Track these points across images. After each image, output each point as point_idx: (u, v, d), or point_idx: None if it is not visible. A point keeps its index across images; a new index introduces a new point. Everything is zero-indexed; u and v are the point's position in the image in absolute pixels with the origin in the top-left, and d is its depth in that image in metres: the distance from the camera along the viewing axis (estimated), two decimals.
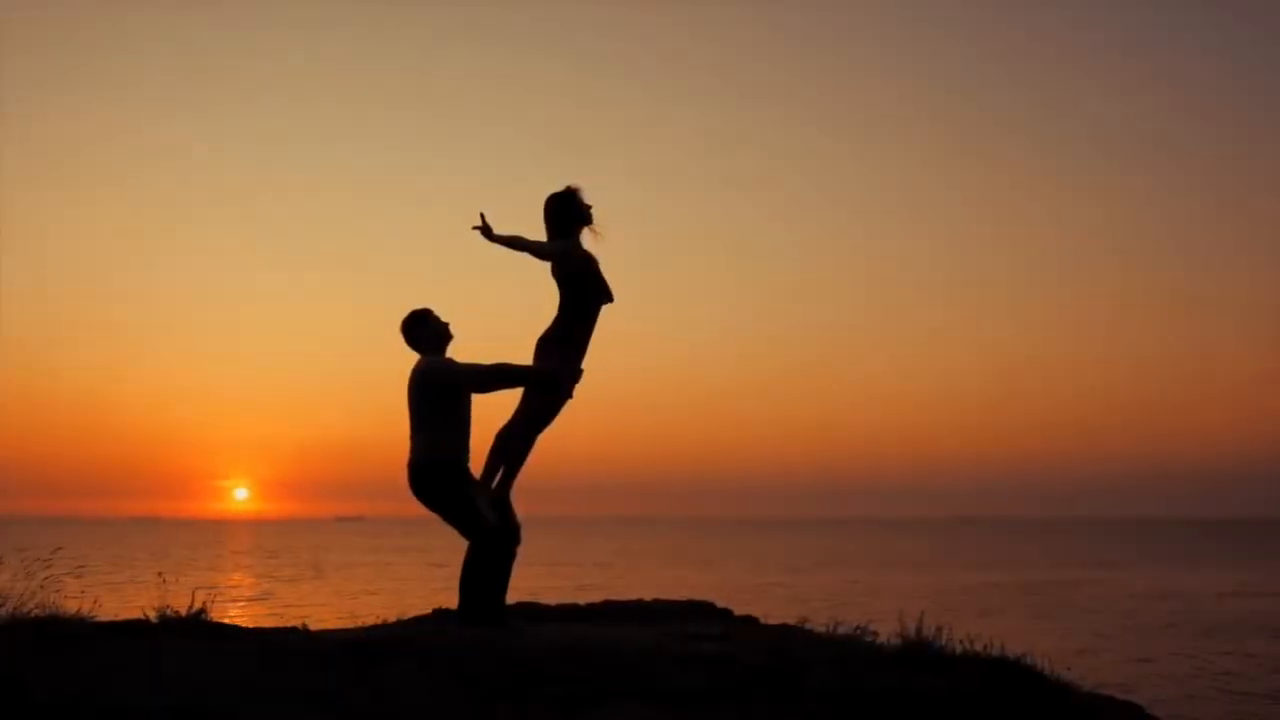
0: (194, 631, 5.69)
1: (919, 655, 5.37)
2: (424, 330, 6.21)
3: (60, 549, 6.60)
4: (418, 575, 38.27)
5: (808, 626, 6.57)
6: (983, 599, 30.20)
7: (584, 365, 6.22)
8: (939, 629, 5.67)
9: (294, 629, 6.03)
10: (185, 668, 4.91)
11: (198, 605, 5.99)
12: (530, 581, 34.14)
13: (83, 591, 6.29)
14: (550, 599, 8.37)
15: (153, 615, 5.97)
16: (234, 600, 28.38)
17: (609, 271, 6.16)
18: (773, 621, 7.02)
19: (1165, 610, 27.04)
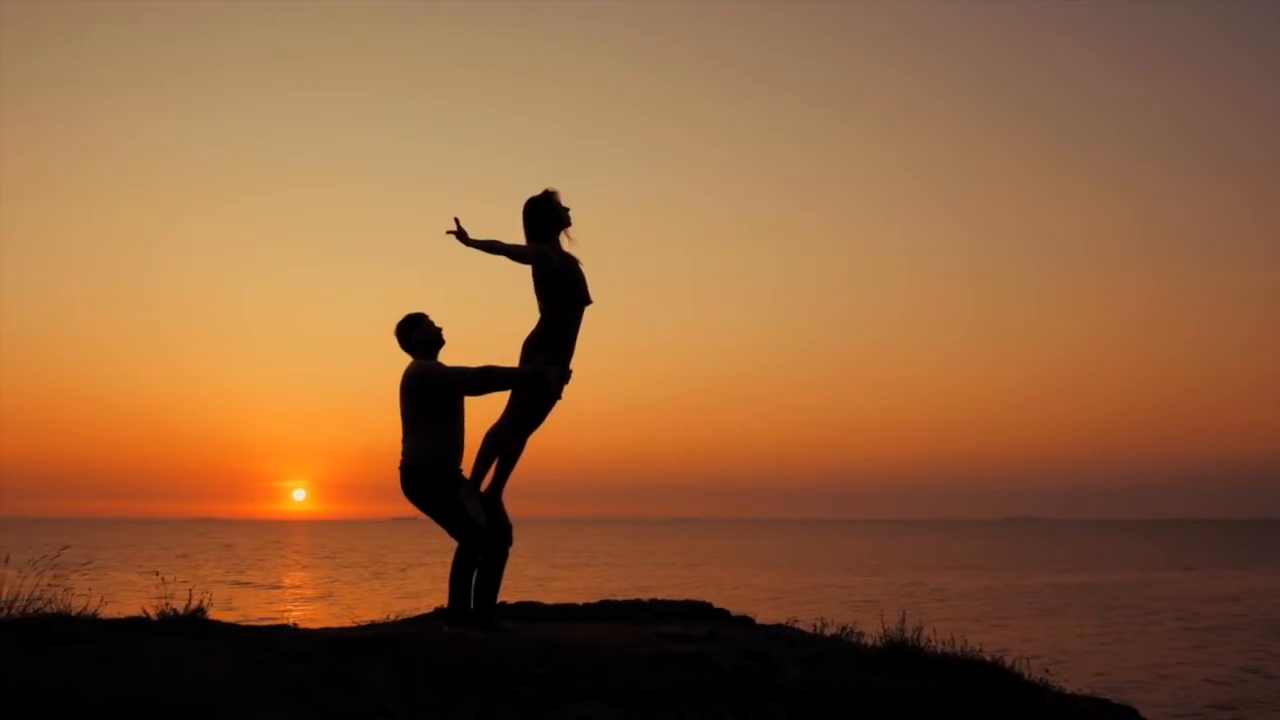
0: (187, 629, 5.82)
1: (895, 657, 5.33)
2: (416, 334, 6.28)
3: (68, 546, 6.76)
4: None
5: (797, 626, 6.56)
6: (1040, 601, 29.76)
7: (572, 366, 6.27)
8: (918, 631, 5.62)
9: (284, 626, 6.14)
10: (169, 663, 5.02)
11: (195, 603, 6.13)
12: (586, 581, 34.35)
13: (90, 590, 6.46)
14: (581, 598, 8.44)
15: (153, 613, 6.12)
16: (296, 601, 28.88)
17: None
18: (768, 621, 7.01)
19: (1226, 613, 26.44)
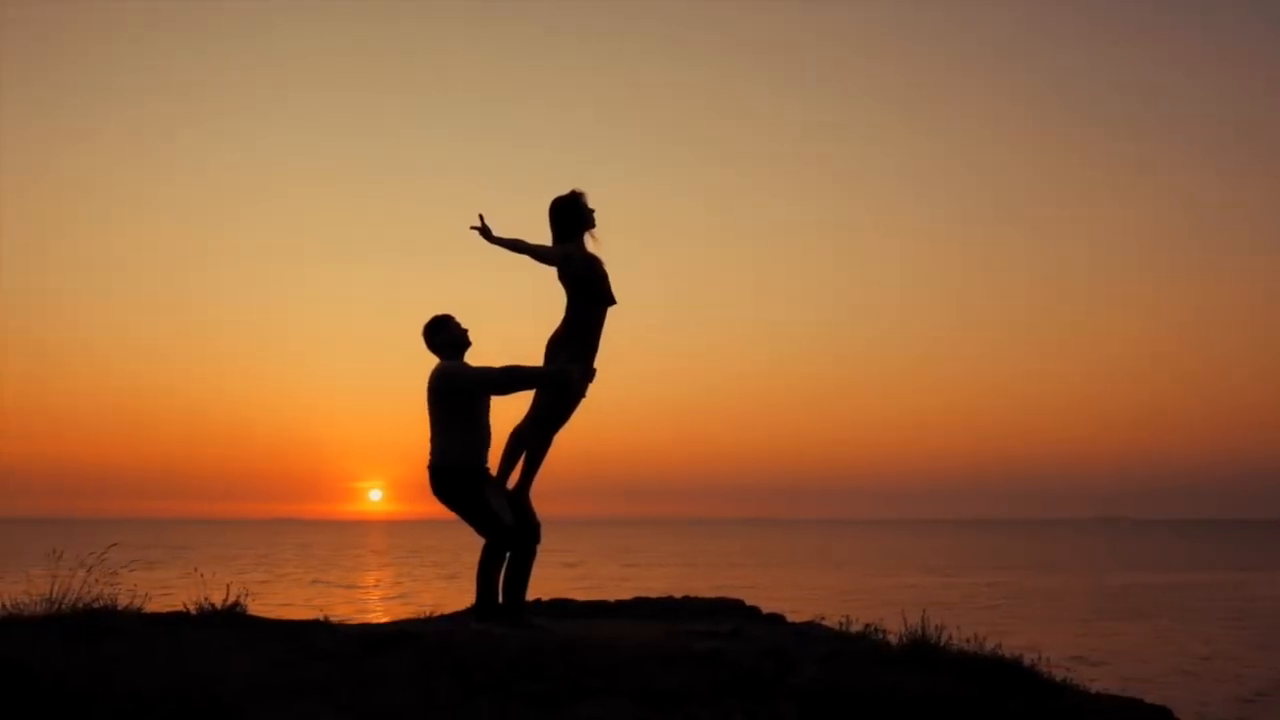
0: (224, 623, 5.99)
1: (912, 656, 5.28)
2: (442, 335, 6.38)
3: (115, 544, 6.96)
4: (550, 575, 38.73)
5: (824, 623, 6.53)
6: (1118, 601, 29.11)
7: (596, 365, 6.32)
8: (940, 629, 5.56)
9: (317, 621, 6.27)
10: (196, 657, 5.15)
11: (233, 599, 6.30)
12: (660, 582, 34.42)
13: (135, 586, 6.65)
14: (616, 595, 8.47)
15: (192, 608, 6.30)
16: (377, 599, 29.38)
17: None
18: (800, 619, 6.98)
19: None
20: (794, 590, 30.26)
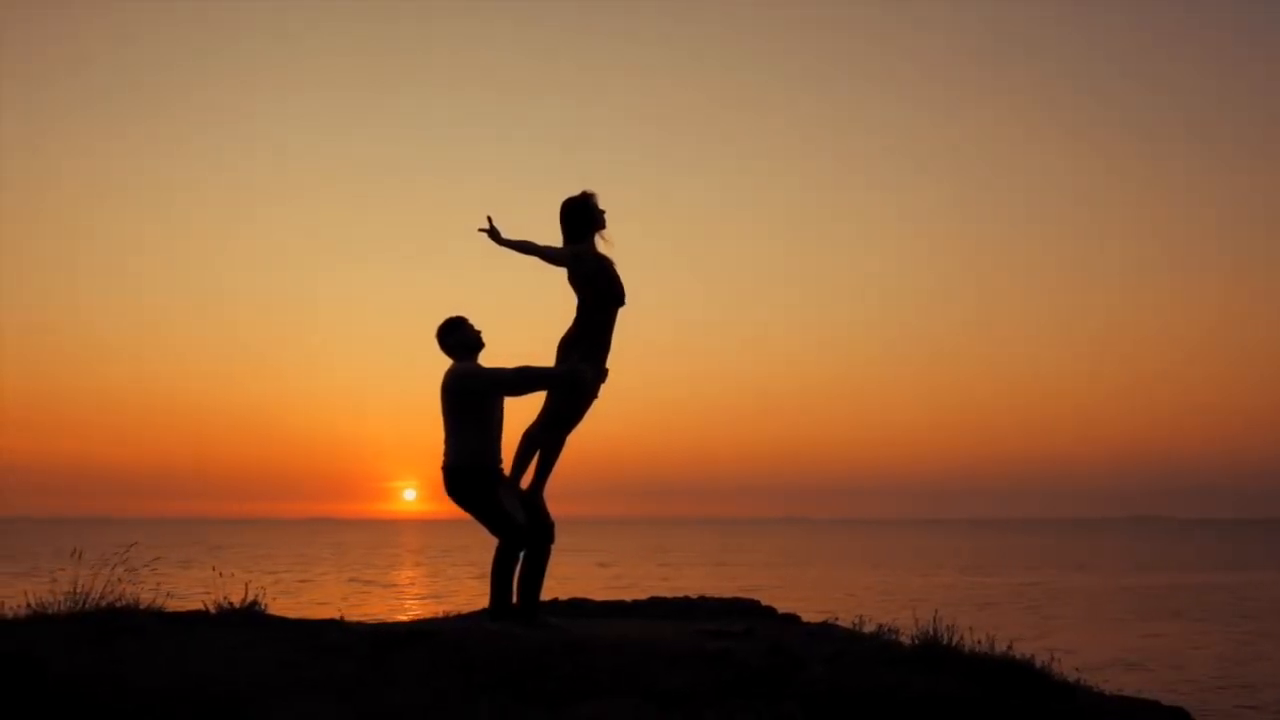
0: (240, 622, 6.04)
1: (919, 656, 5.25)
2: (455, 337, 6.41)
3: (135, 543, 7.05)
4: (584, 575, 38.84)
5: (838, 624, 6.51)
6: (1170, 602, 28.78)
7: (609, 365, 6.33)
8: (950, 629, 5.53)
9: (332, 620, 6.32)
10: (207, 656, 5.20)
11: (251, 597, 6.36)
12: (693, 581, 34.44)
13: (158, 584, 6.74)
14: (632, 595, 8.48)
15: (212, 607, 6.37)
16: (412, 598, 29.56)
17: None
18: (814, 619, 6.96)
19: None
20: (828, 590, 30.16)
